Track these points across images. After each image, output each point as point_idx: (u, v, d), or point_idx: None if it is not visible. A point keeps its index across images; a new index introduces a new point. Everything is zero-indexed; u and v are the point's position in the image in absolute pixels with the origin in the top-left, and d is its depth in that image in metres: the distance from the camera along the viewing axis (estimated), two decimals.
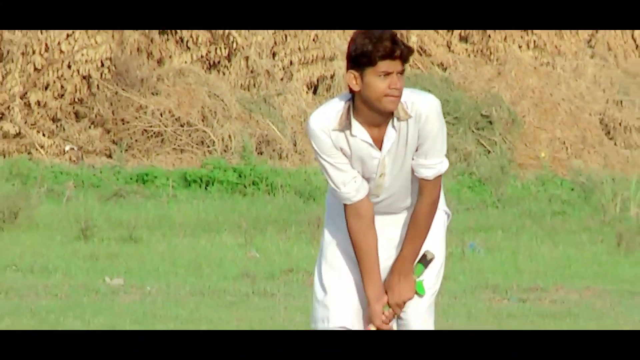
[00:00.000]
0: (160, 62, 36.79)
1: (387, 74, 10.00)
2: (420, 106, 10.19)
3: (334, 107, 10.32)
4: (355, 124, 10.24)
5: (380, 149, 10.20)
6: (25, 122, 35.83)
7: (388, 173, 10.27)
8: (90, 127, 35.16)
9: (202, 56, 37.64)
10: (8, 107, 35.56)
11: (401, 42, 10.18)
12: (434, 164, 10.19)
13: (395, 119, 10.12)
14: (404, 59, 10.10)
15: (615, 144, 38.94)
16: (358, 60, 9.99)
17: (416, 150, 10.20)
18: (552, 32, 40.10)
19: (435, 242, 10.48)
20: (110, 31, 36.73)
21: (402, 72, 10.12)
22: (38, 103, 35.84)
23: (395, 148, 10.22)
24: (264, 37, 36.95)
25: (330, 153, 10.29)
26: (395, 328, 10.39)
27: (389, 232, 10.47)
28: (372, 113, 10.20)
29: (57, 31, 37.11)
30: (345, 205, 10.39)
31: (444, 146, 10.14)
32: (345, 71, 10.20)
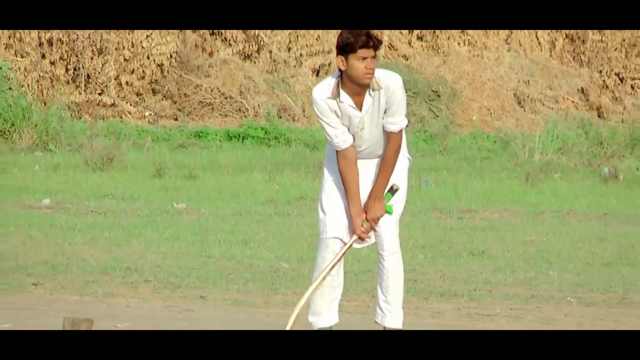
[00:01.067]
0: (210, 54, 36.94)
1: (364, 58, 10.30)
2: (388, 80, 10.51)
3: (328, 82, 10.63)
4: (342, 93, 10.51)
5: (360, 110, 10.46)
6: (118, 96, 35.84)
7: (367, 128, 10.51)
8: (162, 100, 35.41)
9: (239, 50, 37.28)
10: (106, 86, 35.50)
11: (374, 36, 10.49)
12: (398, 121, 10.51)
13: (370, 90, 10.45)
14: (376, 48, 10.40)
15: (524, 110, 39.07)
16: (344, 49, 10.32)
17: (385, 112, 10.48)
18: (481, 32, 40.25)
19: (400, 178, 10.71)
20: (176, 32, 36.71)
21: (374, 57, 10.41)
22: (127, 83, 35.99)
23: (371, 110, 10.45)
24: (282, 37, 37.22)
25: (327, 115, 10.58)
26: (372, 239, 10.49)
27: (368, 171, 10.66)
28: (354, 86, 10.46)
29: (139, 31, 36.62)
30: (337, 151, 10.65)
31: (404, 109, 10.52)
32: (335, 57, 10.49)
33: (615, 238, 20.05)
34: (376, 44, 10.63)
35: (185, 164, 27.36)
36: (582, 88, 39.44)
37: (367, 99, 10.64)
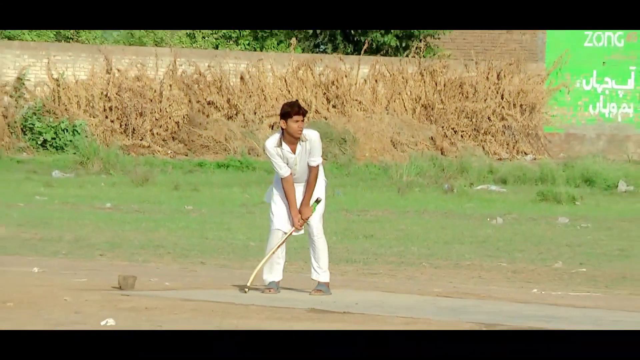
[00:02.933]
0: (207, 116, 33.61)
1: (297, 121, 10.23)
2: (310, 135, 10.39)
3: (275, 137, 10.49)
4: (283, 144, 10.39)
5: (294, 153, 10.38)
6: (151, 141, 33.77)
7: (298, 164, 10.42)
8: (178, 143, 33.33)
9: (225, 114, 34.35)
10: (144, 135, 33.40)
11: (303, 107, 10.45)
12: (316, 160, 10.42)
13: (300, 141, 10.32)
14: (304, 115, 10.35)
15: (397, 150, 35.84)
16: (284, 115, 10.27)
17: (309, 154, 10.38)
18: (370, 102, 36.72)
19: (321, 193, 10.59)
20: (186, 101, 33.01)
21: (303, 120, 10.36)
22: (157, 133, 33.96)
23: (301, 153, 10.38)
24: (250, 105, 33.33)
25: (274, 156, 10.41)
26: (302, 231, 10.52)
27: (300, 189, 10.58)
28: (291, 138, 10.34)
29: (165, 100, 32.56)
30: (281, 177, 10.49)
31: (320, 152, 10.44)
32: (279, 120, 10.56)
33: (452, 227, 19.43)
34: (304, 112, 10.58)
35: (192, 182, 26.44)
36: (431, 137, 36.71)
37: (299, 147, 10.54)
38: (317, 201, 10.60)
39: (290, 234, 10.53)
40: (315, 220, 10.67)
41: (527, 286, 12.01)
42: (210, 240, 16.74)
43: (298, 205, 10.86)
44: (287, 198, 10.84)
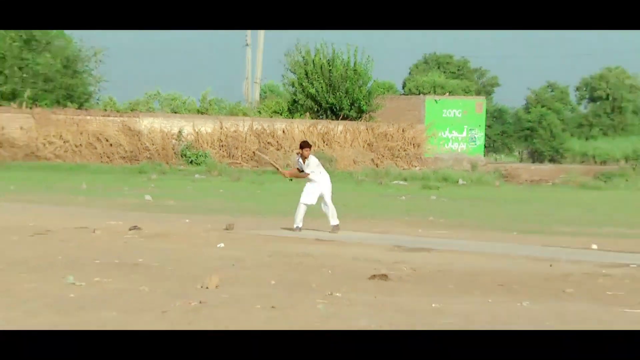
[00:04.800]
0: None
1: (303, 148, 13.01)
2: (310, 158, 12.95)
3: (297, 157, 13.06)
4: (299, 159, 13.16)
5: (304, 163, 13.06)
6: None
7: (305, 169, 13.17)
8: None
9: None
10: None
11: (308, 143, 13.01)
12: (308, 170, 12.96)
13: (305, 159, 13.00)
14: (309, 147, 12.72)
15: (356, 165, 41.66)
16: (300, 147, 13.13)
17: (307, 167, 12.84)
18: (343, 140, 41.84)
19: (326, 183, 13.49)
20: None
21: (308, 149, 13.08)
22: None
23: (305, 165, 13.07)
24: (287, 144, 39.34)
25: (297, 163, 12.75)
26: (315, 202, 12.58)
27: (311, 181, 12.75)
28: (302, 157, 12.78)
29: None
30: (301, 170, 12.83)
31: (313, 168, 13.04)
32: (298, 148, 12.82)
33: (381, 201, 22.42)
34: (309, 146, 12.79)
35: (259, 180, 32.42)
36: (372, 159, 43.82)
37: (307, 162, 12.95)
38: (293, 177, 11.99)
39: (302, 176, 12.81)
40: (327, 196, 13.51)
41: (416, 229, 15.27)
42: (265, 205, 19.48)
43: (315, 191, 12.85)
44: (300, 176, 13.00)
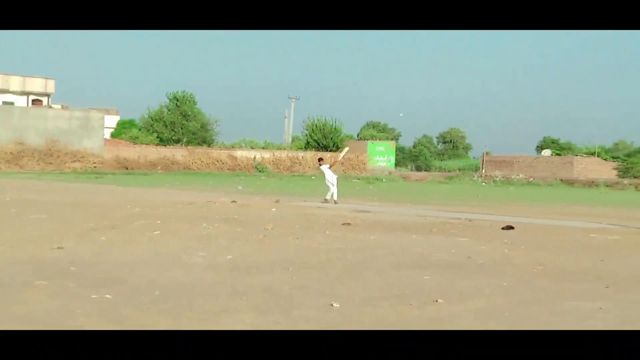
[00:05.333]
0: None
1: (319, 160, 20.39)
2: (323, 168, 19.17)
3: (322, 164, 19.06)
4: (322, 165, 19.21)
5: (321, 169, 19.09)
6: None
7: (323, 173, 18.90)
8: None
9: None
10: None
11: (322, 158, 19.79)
12: (325, 174, 18.25)
13: (321, 167, 19.14)
14: (324, 161, 18.97)
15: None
16: (319, 161, 20.45)
17: (324, 173, 17.77)
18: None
19: (332, 176, 19.58)
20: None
21: (322, 160, 20.23)
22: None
23: (322, 171, 19.36)
24: (309, 156, 60.84)
25: (320, 168, 17.43)
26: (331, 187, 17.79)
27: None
28: (320, 166, 18.55)
29: None
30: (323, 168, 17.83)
31: (326, 174, 18.58)
32: (318, 161, 21.52)
33: (358, 187, 35.30)
34: (321, 159, 19.89)
35: (293, 180, 44.94)
36: (343, 170, 66.75)
37: (322, 168, 19.55)
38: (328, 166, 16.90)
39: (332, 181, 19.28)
40: (334, 183, 20.27)
41: (364, 202, 22.38)
42: (295, 191, 27.86)
43: (328, 178, 18.49)
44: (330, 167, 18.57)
